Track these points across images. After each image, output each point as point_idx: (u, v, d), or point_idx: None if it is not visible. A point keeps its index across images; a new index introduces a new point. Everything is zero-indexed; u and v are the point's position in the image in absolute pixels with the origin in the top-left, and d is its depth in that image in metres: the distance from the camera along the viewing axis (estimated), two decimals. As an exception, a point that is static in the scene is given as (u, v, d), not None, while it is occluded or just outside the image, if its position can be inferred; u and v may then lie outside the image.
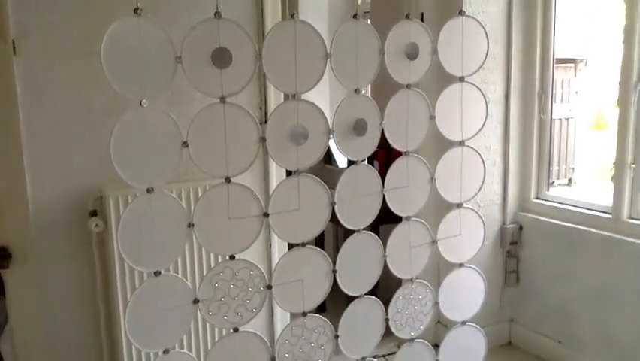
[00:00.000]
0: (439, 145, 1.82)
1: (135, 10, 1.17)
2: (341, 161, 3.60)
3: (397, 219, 1.68)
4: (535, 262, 2.87)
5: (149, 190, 1.24)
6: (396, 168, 1.65)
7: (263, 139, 1.37)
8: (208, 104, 1.30)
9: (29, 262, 1.88)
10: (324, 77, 1.43)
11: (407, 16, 1.58)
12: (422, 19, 2.62)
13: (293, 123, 1.40)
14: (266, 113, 2.10)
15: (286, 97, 1.36)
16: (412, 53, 1.59)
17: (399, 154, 1.64)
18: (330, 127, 1.46)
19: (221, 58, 1.28)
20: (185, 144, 1.27)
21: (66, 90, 1.84)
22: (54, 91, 1.83)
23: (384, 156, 2.84)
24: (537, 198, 2.92)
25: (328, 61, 1.42)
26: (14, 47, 1.73)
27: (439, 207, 1.85)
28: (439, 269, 2.42)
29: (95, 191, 1.92)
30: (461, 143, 1.74)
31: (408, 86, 1.61)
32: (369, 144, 1.56)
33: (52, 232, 1.90)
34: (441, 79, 1.77)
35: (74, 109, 1.87)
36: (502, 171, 2.87)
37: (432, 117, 1.67)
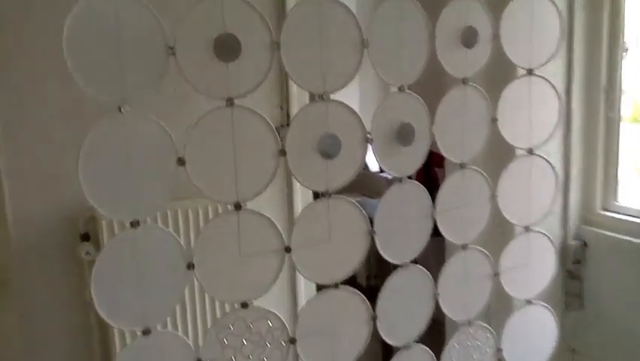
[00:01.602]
0: (495, 154, 1.52)
1: (110, -16, 0.90)
2: (374, 162, 3.31)
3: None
4: (602, 284, 2.54)
5: (134, 224, 0.97)
6: (450, 184, 1.35)
7: (282, 152, 1.09)
8: (210, 109, 1.02)
9: (10, 292, 1.64)
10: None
11: (463, -7, 1.28)
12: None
13: (321, 131, 1.12)
14: (288, 115, 1.81)
15: (312, 96, 1.06)
16: (470, 40, 1.29)
17: (439, 164, 1.35)
18: (368, 134, 1.18)
19: (226, 47, 1.00)
20: (180, 161, 1.00)
21: (52, 91, 1.59)
22: (38, 92, 1.59)
23: (423, 169, 2.52)
24: (604, 209, 2.58)
25: (365, 50, 1.14)
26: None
27: (497, 231, 1.55)
28: (489, 307, 2.11)
29: (87, 210, 1.67)
30: (530, 151, 1.43)
31: (464, 81, 1.32)
32: (416, 156, 1.27)
33: (37, 258, 1.66)
34: (495, 73, 1.47)
35: (62, 113, 1.62)
36: (563, 178, 2.55)
37: (493, 120, 1.37)
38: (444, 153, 1.32)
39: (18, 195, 1.61)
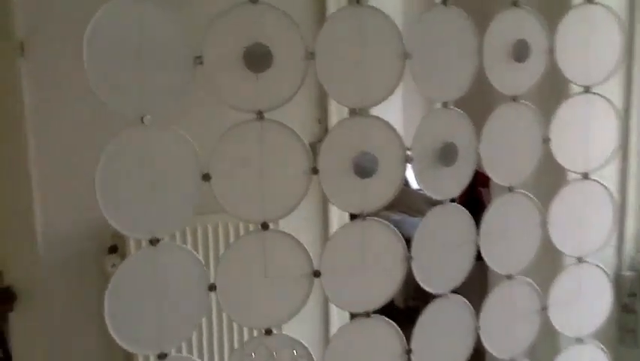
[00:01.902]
0: (547, 177, 1.41)
1: (136, -10, 0.86)
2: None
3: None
4: (660, 320, 2.36)
5: (153, 242, 0.92)
6: (497, 208, 1.26)
7: (315, 170, 1.02)
8: (239, 122, 0.97)
9: (37, 304, 1.63)
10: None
11: (515, 3, 1.19)
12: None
13: (357, 148, 1.05)
14: (327, 130, 1.75)
15: (352, 111, 0.99)
16: (522, 54, 1.20)
17: (484, 184, 1.25)
18: (408, 152, 1.10)
19: (257, 58, 0.94)
20: (206, 177, 0.94)
21: (83, 101, 1.57)
22: (68, 102, 1.57)
23: (467, 188, 2.41)
24: (663, 238, 2.42)
25: (407, 62, 1.06)
26: (22, 48, 1.48)
27: (546, 261, 1.44)
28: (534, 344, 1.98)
29: (117, 222, 1.64)
30: (585, 175, 1.32)
31: (514, 99, 1.22)
32: (460, 177, 1.18)
33: (64, 271, 1.64)
34: (548, 90, 1.37)
35: (93, 124, 1.60)
36: (619, 203, 2.39)
37: (545, 140, 1.27)
38: (491, 175, 1.23)
39: (48, 206, 1.59)
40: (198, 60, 0.91)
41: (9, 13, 1.45)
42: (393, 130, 1.08)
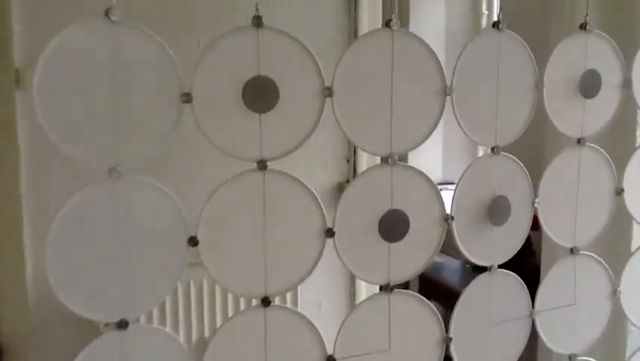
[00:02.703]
0: (617, 236, 1.19)
1: (107, 13, 0.69)
2: None
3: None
4: None
5: (122, 325, 0.74)
6: (557, 274, 1.04)
7: (330, 232, 0.83)
8: (236, 174, 0.79)
9: (27, 358, 1.47)
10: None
11: (583, 27, 0.99)
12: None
13: (384, 204, 0.86)
14: (355, 170, 1.56)
15: (383, 158, 0.80)
16: (591, 88, 1.00)
17: (534, 226, 1.03)
18: (449, 211, 0.90)
19: (260, 94, 0.77)
20: (193, 242, 0.76)
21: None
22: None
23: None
24: None
25: (448, 98, 0.87)
26: (17, 79, 1.35)
27: (615, 336, 1.20)
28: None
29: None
30: (668, 235, 1.10)
31: (580, 142, 1.01)
32: (513, 238, 0.97)
33: (55, 328, 1.48)
34: (619, 131, 1.16)
35: (92, 169, 1.45)
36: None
37: (618, 192, 1.06)
38: (551, 235, 1.02)
39: (39, 262, 1.45)
40: (186, 97, 0.74)
41: (6, 42, 1.32)
42: (431, 184, 0.88)
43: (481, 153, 3.56)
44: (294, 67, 0.79)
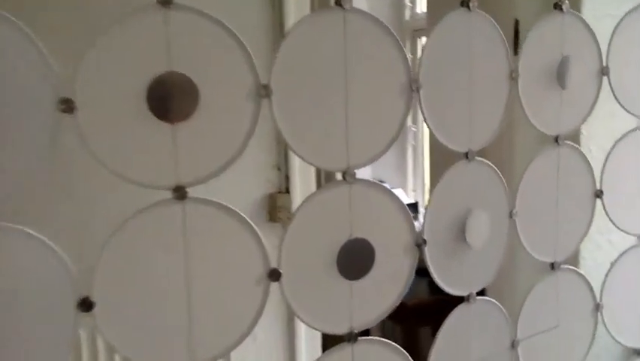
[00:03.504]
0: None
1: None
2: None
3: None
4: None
5: None
6: (538, 295, 0.90)
7: (275, 274, 0.64)
8: (145, 207, 0.58)
9: None
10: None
11: (557, 6, 0.85)
12: (516, 29, 1.86)
13: (342, 233, 0.68)
14: (287, 178, 1.36)
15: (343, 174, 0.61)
16: (569, 76, 0.86)
17: None
18: (421, 233, 0.73)
19: (171, 98, 0.57)
20: (86, 305, 0.55)
21: None
22: None
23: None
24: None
25: (418, 94, 0.70)
26: None
27: (603, 355, 1.09)
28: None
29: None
30: (651, 240, 0.99)
31: (558, 140, 0.88)
32: (491, 261, 0.82)
33: None
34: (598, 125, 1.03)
35: None
36: None
37: (598, 194, 0.93)
38: (530, 250, 0.88)
39: None
40: (64, 106, 0.53)
41: None
42: (398, 201, 0.71)
43: (410, 151, 3.47)
44: (217, 60, 0.59)
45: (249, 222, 0.62)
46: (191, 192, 0.59)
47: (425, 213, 0.73)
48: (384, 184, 3.07)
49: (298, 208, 0.65)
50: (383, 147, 0.69)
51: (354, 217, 0.67)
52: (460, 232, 0.77)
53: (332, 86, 0.65)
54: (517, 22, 1.90)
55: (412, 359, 0.75)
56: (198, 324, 0.61)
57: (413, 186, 3.41)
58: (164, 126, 0.57)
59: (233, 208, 0.61)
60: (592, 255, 1.41)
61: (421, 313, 1.78)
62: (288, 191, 1.18)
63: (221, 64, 0.59)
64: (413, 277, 0.73)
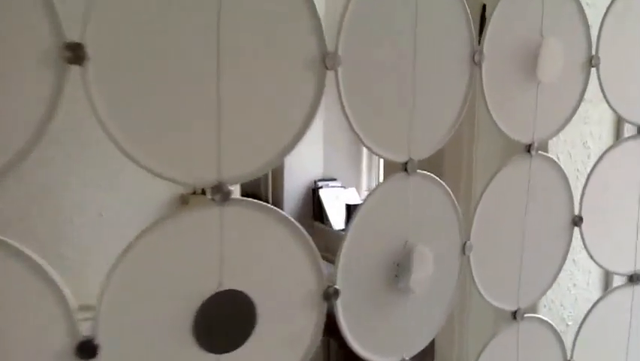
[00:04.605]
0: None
1: None
2: (336, 215, 2.62)
3: None
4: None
5: None
6: (494, 354, 0.69)
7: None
8: None
9: None
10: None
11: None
12: (483, 13, 1.65)
13: (206, 284, 0.45)
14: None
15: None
16: (549, 66, 0.65)
17: None
18: (335, 281, 0.51)
19: None
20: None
21: None
22: None
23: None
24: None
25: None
26: None
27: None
28: None
29: None
30: (633, 278, 0.79)
31: (530, 149, 0.67)
32: (434, 313, 0.61)
33: None
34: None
35: None
36: None
37: (575, 221, 0.73)
38: (487, 296, 0.67)
39: None
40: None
41: None
42: (297, 230, 0.49)
43: (364, 151, 3.24)
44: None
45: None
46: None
47: (340, 249, 0.51)
48: (335, 182, 2.86)
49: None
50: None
51: (224, 265, 0.44)
52: (390, 274, 0.55)
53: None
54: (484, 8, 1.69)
55: None
56: None
57: (367, 186, 3.19)
58: None
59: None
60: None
61: None
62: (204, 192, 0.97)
63: None
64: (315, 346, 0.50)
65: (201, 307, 0.44)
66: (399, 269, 0.55)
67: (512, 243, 0.67)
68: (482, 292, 0.65)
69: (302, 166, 2.68)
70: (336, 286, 0.50)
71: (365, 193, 3.14)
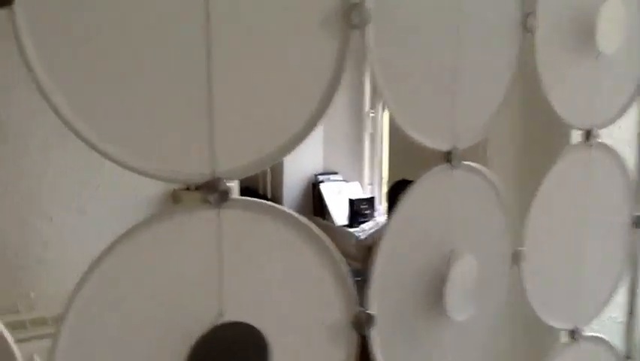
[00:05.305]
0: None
1: None
2: (338, 211, 2.48)
3: None
4: None
5: None
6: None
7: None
8: None
9: None
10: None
11: None
12: None
13: (205, 316, 0.34)
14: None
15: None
16: (608, 37, 0.54)
17: None
18: (368, 305, 0.40)
19: None
20: None
21: None
22: None
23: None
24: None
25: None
26: None
27: None
28: None
29: None
30: None
31: (589, 136, 0.56)
32: (477, 334, 0.50)
33: None
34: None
35: None
36: None
37: (636, 223, 0.62)
38: (543, 315, 0.55)
39: None
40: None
41: None
42: (333, 260, 0.37)
43: (367, 143, 3.11)
44: None
45: None
46: None
47: (374, 265, 0.40)
48: (337, 176, 2.73)
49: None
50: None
51: (224, 297, 0.33)
52: (434, 297, 0.44)
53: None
54: None
55: None
56: None
57: (370, 180, 3.02)
58: None
59: None
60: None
61: None
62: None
63: None
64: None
65: (197, 343, 0.32)
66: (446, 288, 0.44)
67: (569, 249, 0.56)
68: (540, 313, 0.54)
69: (301, 159, 2.55)
70: (370, 311, 0.39)
71: (369, 187, 2.98)
